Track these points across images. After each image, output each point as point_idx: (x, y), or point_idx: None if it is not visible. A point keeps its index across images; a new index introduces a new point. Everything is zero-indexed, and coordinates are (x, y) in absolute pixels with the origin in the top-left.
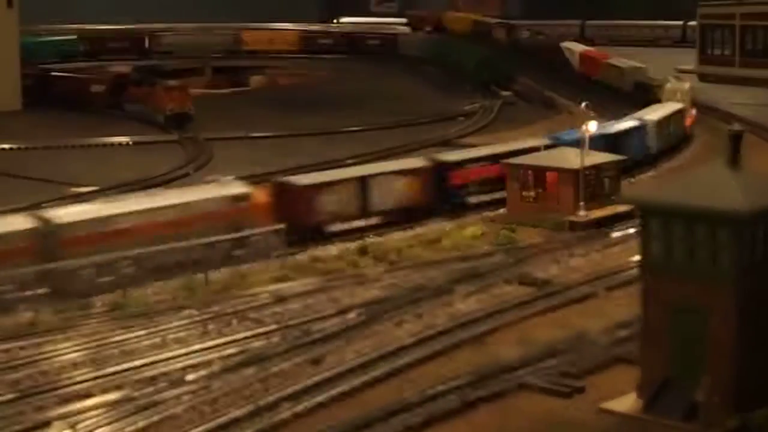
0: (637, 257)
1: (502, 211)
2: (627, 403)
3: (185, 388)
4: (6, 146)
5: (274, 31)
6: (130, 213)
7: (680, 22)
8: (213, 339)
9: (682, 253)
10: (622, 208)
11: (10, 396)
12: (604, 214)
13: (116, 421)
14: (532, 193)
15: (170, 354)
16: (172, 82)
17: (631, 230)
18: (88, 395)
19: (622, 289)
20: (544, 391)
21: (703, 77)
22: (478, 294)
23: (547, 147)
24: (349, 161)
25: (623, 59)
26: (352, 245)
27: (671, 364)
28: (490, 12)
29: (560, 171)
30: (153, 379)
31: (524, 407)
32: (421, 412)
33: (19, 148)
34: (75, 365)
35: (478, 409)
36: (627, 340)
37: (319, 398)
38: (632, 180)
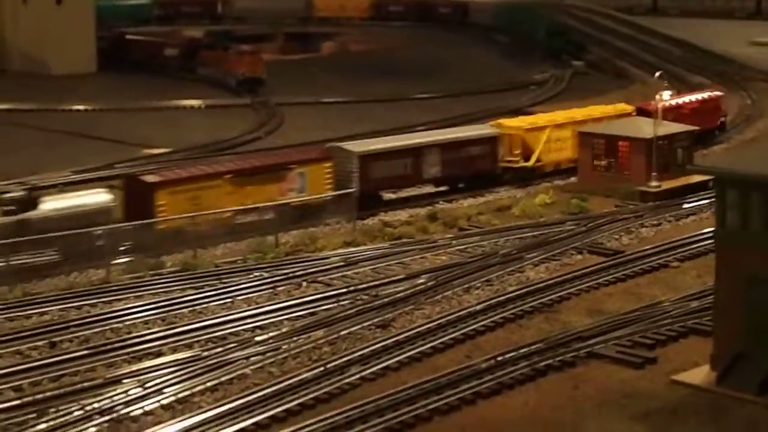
0: (709, 228)
1: (573, 179)
2: (700, 375)
3: (254, 349)
4: (81, 107)
5: None
6: None
7: None
8: (282, 301)
9: (758, 224)
10: (695, 179)
11: (81, 352)
12: (677, 184)
13: (186, 379)
14: (603, 162)
15: (240, 315)
16: (244, 47)
17: (704, 201)
18: (158, 353)
19: (694, 260)
20: (615, 361)
21: None
22: (548, 262)
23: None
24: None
25: None
26: (422, 211)
27: (745, 337)
28: None
29: (633, 140)
30: (222, 339)
31: (595, 377)
32: (490, 379)
33: (93, 110)
34: (146, 323)
35: (548, 378)
36: (700, 311)
37: (388, 362)
38: (705, 151)
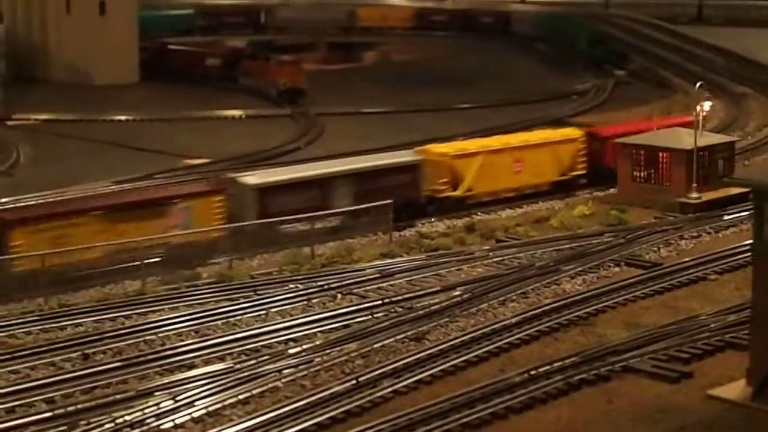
0: (749, 241)
1: (612, 191)
2: (736, 390)
3: (287, 362)
4: (122, 118)
5: (389, 8)
6: None
7: None
8: (317, 313)
9: None
10: (735, 191)
11: (114, 364)
12: (717, 196)
13: (217, 392)
14: (643, 174)
15: (273, 327)
16: (285, 57)
17: (745, 213)
18: (191, 366)
19: (733, 273)
20: (650, 375)
21: None
22: (585, 274)
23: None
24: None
25: None
26: (460, 222)
27: None
28: None
29: (673, 151)
30: (256, 352)
31: (629, 391)
32: (523, 393)
33: (135, 120)
34: (179, 335)
35: (581, 392)
36: (737, 325)
37: (421, 375)
38: (747, 162)
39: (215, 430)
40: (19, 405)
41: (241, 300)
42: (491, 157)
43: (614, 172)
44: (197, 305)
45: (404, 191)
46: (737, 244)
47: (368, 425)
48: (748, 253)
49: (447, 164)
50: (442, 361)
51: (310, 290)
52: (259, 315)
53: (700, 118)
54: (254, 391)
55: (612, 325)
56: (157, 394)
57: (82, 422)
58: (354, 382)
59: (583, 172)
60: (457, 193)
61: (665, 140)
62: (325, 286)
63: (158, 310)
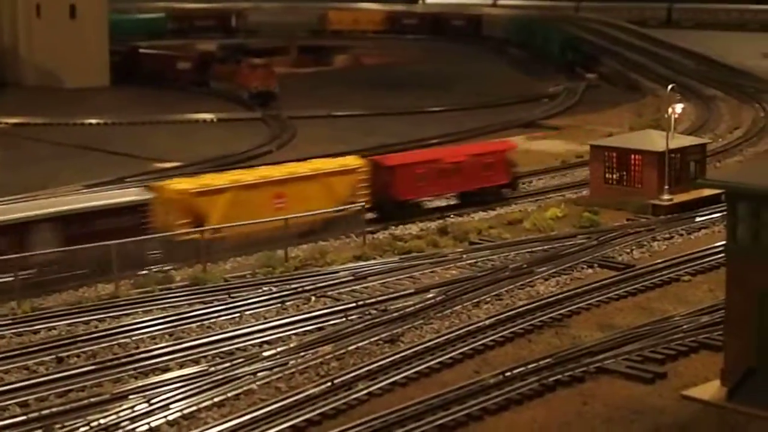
0: (722, 242)
1: (584, 192)
2: (710, 390)
3: (262, 364)
4: (93, 121)
5: (360, 11)
6: None
7: None
8: (291, 315)
9: None
10: (707, 192)
11: (88, 368)
12: (689, 197)
13: (192, 395)
14: (615, 176)
15: (248, 329)
16: (257, 61)
17: (717, 215)
18: (165, 369)
19: (706, 274)
20: (625, 376)
21: None
22: (559, 276)
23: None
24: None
25: None
26: (433, 224)
27: (756, 352)
28: None
29: (645, 153)
30: (230, 354)
31: (604, 392)
32: (498, 395)
33: (105, 124)
34: (153, 338)
35: (556, 393)
36: (711, 326)
37: (396, 377)
38: (718, 164)
39: None
40: None
41: (215, 303)
42: (244, 192)
43: (403, 205)
44: (171, 308)
45: (128, 235)
46: (709, 246)
47: (343, 427)
48: (721, 255)
49: (187, 202)
50: (416, 363)
51: (284, 293)
52: (233, 318)
53: (673, 120)
54: (229, 394)
55: (586, 327)
56: (131, 397)
57: (57, 426)
58: (329, 384)
59: (366, 206)
60: (198, 236)
61: (637, 142)
62: (299, 289)
63: (132, 314)
